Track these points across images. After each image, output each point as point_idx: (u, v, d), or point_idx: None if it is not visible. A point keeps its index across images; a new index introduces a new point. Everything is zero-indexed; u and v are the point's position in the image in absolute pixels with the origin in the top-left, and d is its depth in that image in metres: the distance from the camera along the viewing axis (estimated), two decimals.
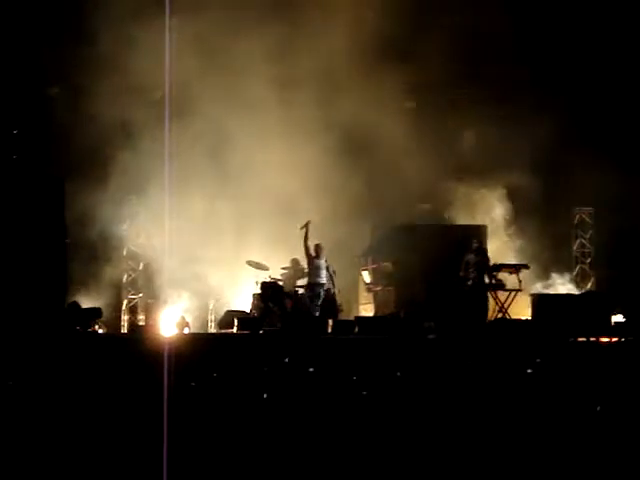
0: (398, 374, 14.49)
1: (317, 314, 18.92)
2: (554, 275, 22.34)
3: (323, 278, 18.93)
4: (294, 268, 20.43)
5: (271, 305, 19.25)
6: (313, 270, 18.97)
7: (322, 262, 18.98)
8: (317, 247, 19.05)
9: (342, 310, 20.44)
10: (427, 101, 22.76)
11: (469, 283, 19.01)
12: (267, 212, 21.79)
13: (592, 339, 17.93)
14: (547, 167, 22.35)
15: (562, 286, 22.26)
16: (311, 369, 14.44)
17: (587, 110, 22.52)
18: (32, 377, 13.55)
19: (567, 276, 22.82)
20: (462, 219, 21.94)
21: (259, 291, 20.00)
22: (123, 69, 21.66)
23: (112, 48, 21.20)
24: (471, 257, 19.13)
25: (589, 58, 22.62)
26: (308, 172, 21.40)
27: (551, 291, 21.34)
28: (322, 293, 18.94)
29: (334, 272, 20.36)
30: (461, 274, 19.15)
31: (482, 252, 19.13)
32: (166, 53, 18.20)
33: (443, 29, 21.91)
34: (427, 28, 21.89)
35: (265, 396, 13.08)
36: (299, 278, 20.23)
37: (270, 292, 19.27)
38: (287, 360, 14.97)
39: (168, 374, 12.53)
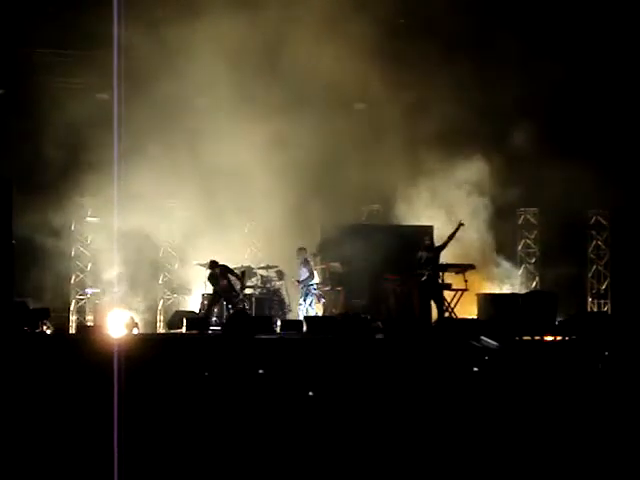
0: (345, 374, 14.61)
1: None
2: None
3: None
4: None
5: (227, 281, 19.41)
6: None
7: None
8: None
9: (291, 310, 20.56)
10: (378, 102, 22.88)
11: (424, 279, 19.11)
12: (217, 212, 21.83)
13: (537, 338, 18.18)
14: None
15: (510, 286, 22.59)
16: (260, 370, 14.50)
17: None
18: None
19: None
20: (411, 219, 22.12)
21: (208, 292, 20.07)
22: (69, 68, 21.65)
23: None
24: (424, 254, 19.28)
25: None
26: (257, 172, 21.47)
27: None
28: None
29: (281, 272, 20.51)
30: (417, 271, 19.26)
31: (434, 249, 19.29)
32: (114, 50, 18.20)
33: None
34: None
35: (213, 396, 13.13)
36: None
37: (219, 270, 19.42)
38: (235, 361, 15.04)
39: (117, 375, 12.52)
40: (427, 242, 19.40)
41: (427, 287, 19.10)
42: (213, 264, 19.59)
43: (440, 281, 19.35)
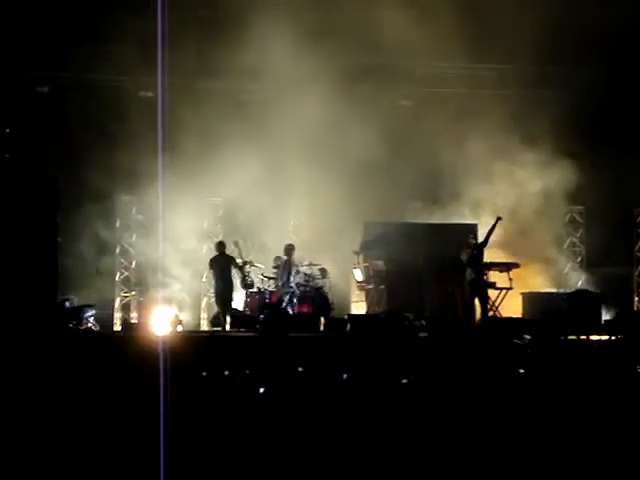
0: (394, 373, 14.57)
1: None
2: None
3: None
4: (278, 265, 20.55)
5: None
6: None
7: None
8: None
9: (334, 308, 20.51)
10: (423, 99, 22.79)
11: (469, 278, 18.97)
12: (260, 210, 21.87)
13: (582, 337, 18.02)
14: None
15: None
16: (300, 368, 14.51)
17: None
18: (26, 375, 13.57)
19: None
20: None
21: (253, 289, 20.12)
22: (116, 66, 21.76)
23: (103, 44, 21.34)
24: (468, 252, 19.14)
25: None
26: (298, 169, 21.48)
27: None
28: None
29: (325, 270, 20.46)
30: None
31: (477, 247, 19.17)
32: (158, 46, 18.26)
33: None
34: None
35: (261, 391, 13.14)
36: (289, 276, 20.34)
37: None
38: (278, 359, 15.05)
39: (163, 372, 12.57)
40: (471, 241, 19.30)
41: (472, 286, 18.99)
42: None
43: (485, 279, 19.26)
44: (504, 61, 22.87)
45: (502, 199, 22.23)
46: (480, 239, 19.55)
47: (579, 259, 23.70)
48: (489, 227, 19.16)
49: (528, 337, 17.23)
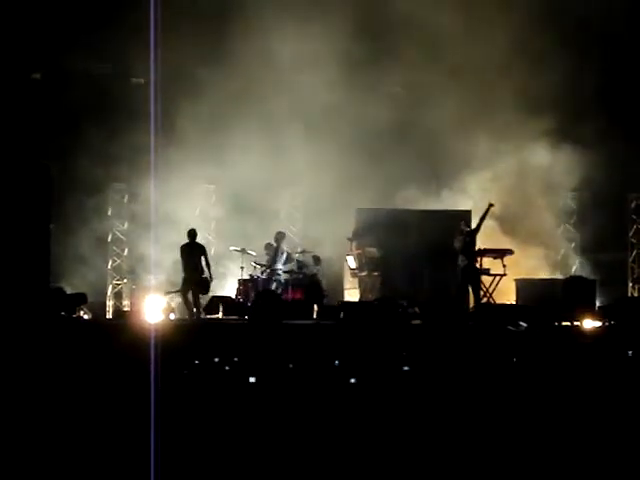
0: (385, 360, 14.54)
1: None
2: None
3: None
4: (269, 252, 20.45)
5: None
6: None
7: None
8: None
9: (327, 295, 20.48)
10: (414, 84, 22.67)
11: (462, 265, 18.94)
12: (253, 198, 21.84)
13: (576, 323, 18.03)
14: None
15: None
16: (296, 354, 14.50)
17: None
18: (17, 362, 13.54)
19: None
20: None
21: (245, 277, 20.06)
22: (109, 53, 21.69)
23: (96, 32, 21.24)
24: (460, 239, 19.11)
25: None
26: (293, 157, 21.44)
27: None
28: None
29: (318, 258, 20.42)
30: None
31: (470, 234, 19.13)
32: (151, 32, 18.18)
33: None
34: None
35: (251, 381, 13.11)
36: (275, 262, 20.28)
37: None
38: (272, 346, 15.03)
39: (155, 360, 12.54)
40: (463, 228, 19.25)
41: (464, 273, 18.95)
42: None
43: (478, 266, 19.23)
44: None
45: (497, 184, 22.18)
46: (473, 226, 19.50)
47: (573, 245, 23.68)
48: (481, 214, 19.13)
49: (524, 324, 17.25)
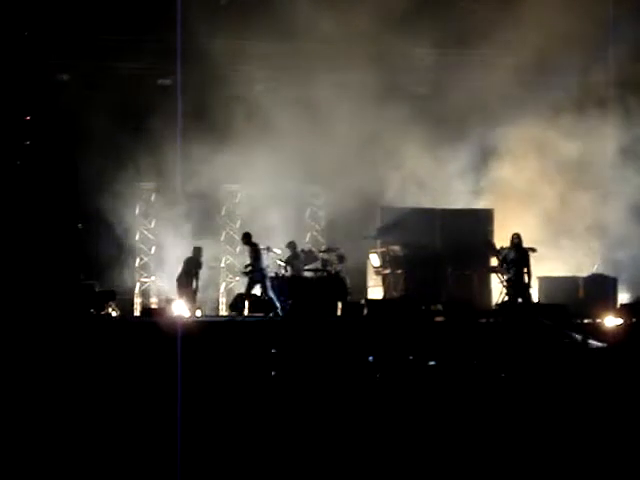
0: (410, 357, 14.70)
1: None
2: None
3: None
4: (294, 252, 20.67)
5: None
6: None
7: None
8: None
9: (351, 293, 20.66)
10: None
11: (507, 279, 18.68)
12: (277, 195, 22.02)
13: (598, 321, 18.13)
14: None
15: None
16: (320, 351, 14.68)
17: None
18: (47, 359, 13.78)
19: None
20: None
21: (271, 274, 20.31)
22: (136, 54, 21.91)
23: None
24: (511, 253, 18.62)
25: None
26: (316, 156, 21.61)
27: None
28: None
29: (342, 256, 20.60)
30: (498, 269, 19.00)
31: (522, 250, 18.56)
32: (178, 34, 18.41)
33: None
34: None
35: (273, 374, 13.30)
36: (304, 263, 20.51)
37: None
38: (296, 342, 15.24)
39: (180, 357, 12.77)
40: (515, 240, 18.67)
41: (514, 287, 18.57)
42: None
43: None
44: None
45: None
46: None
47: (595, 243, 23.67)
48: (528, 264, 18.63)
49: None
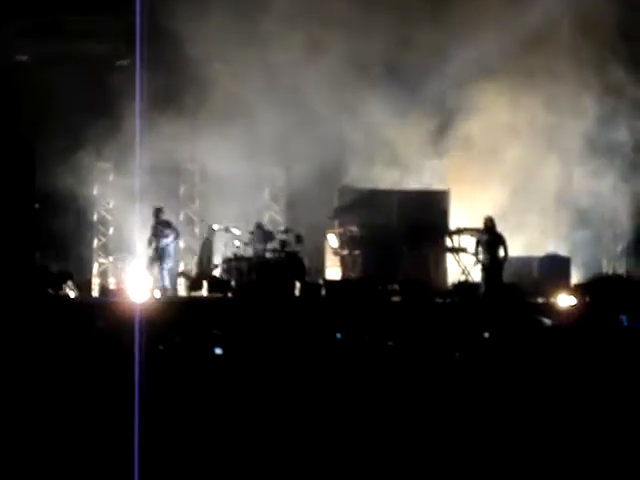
0: (367, 337, 14.85)
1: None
2: None
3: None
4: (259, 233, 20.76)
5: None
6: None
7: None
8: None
9: (309, 273, 20.81)
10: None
11: (481, 261, 18.81)
12: (236, 176, 22.06)
13: (552, 300, 18.41)
14: None
15: None
16: (281, 331, 14.79)
17: None
18: (2, 340, 13.77)
19: None
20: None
21: (229, 255, 20.39)
22: (95, 35, 21.85)
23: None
24: (483, 237, 18.79)
25: None
26: (277, 136, 21.66)
27: None
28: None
29: (300, 236, 20.69)
30: (473, 253, 19.14)
31: (495, 235, 18.66)
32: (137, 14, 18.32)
33: None
34: None
35: (218, 352, 13.37)
36: (264, 242, 20.60)
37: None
38: (253, 322, 15.36)
39: (139, 337, 12.83)
40: (488, 224, 18.78)
41: (488, 270, 18.66)
42: None
43: (454, 245, 19.51)
44: None
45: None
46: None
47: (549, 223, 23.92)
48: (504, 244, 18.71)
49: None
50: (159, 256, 19.64)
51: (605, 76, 22.16)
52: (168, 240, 19.79)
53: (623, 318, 15.88)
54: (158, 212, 20.00)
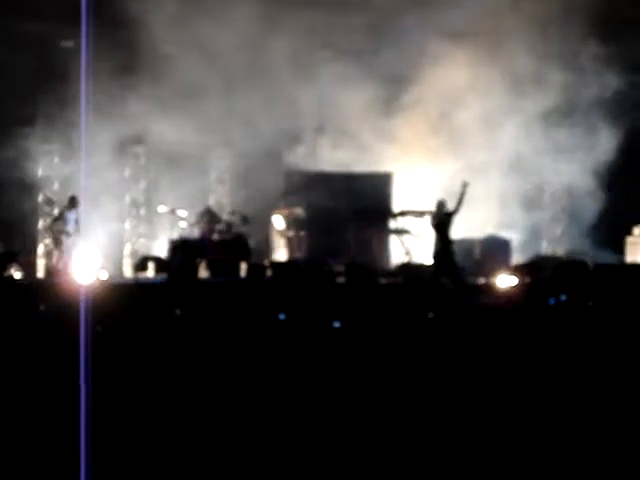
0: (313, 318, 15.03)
1: None
2: None
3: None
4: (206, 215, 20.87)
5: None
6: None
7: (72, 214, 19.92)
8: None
9: (254, 254, 20.96)
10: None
11: (435, 246, 18.70)
12: (179, 160, 22.10)
13: (491, 280, 18.74)
14: None
15: None
16: (225, 311, 14.92)
17: None
18: None
19: None
20: None
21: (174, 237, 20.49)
22: (39, 15, 21.70)
23: None
24: (436, 218, 18.55)
25: None
26: (223, 116, 21.70)
27: None
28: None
29: (246, 218, 20.83)
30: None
31: (449, 214, 17.54)
32: None
33: None
34: None
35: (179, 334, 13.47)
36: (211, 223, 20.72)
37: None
38: (201, 303, 15.48)
39: (85, 320, 12.88)
40: (441, 207, 17.71)
41: (438, 253, 17.95)
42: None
43: (397, 227, 19.76)
44: None
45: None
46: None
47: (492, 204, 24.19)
48: (458, 195, 17.16)
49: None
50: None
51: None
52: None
53: (551, 299, 16.24)
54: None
